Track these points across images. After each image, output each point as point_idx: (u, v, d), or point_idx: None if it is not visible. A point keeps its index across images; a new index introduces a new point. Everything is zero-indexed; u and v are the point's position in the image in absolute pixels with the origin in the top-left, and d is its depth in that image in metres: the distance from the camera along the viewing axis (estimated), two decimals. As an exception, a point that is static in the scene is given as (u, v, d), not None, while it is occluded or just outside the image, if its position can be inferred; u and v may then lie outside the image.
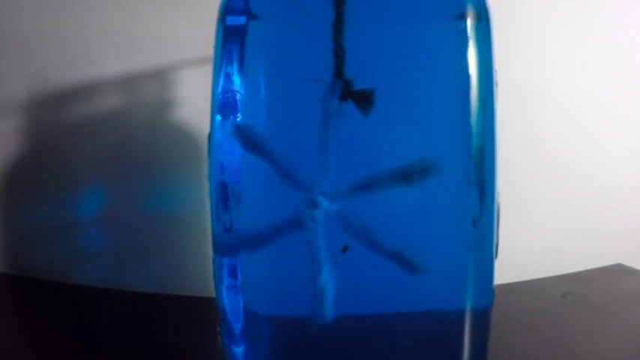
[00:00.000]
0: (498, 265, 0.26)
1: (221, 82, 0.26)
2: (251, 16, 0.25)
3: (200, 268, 0.38)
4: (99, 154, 0.49)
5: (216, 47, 0.26)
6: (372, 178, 0.24)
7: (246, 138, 0.25)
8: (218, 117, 0.26)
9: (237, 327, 0.27)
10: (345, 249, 0.25)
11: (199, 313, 0.42)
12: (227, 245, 0.26)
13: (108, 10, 0.47)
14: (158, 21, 0.47)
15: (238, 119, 0.25)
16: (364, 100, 0.24)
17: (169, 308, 0.45)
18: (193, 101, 0.46)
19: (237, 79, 0.25)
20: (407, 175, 0.24)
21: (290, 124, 0.25)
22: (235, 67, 0.26)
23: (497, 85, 0.26)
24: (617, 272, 0.52)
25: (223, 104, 0.26)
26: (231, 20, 0.26)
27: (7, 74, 0.48)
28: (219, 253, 0.26)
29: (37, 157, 0.49)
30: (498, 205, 0.26)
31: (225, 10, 0.26)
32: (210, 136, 0.26)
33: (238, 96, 0.25)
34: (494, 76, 0.25)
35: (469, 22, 0.24)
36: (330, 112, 0.24)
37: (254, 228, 0.25)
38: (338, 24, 0.24)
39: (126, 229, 0.49)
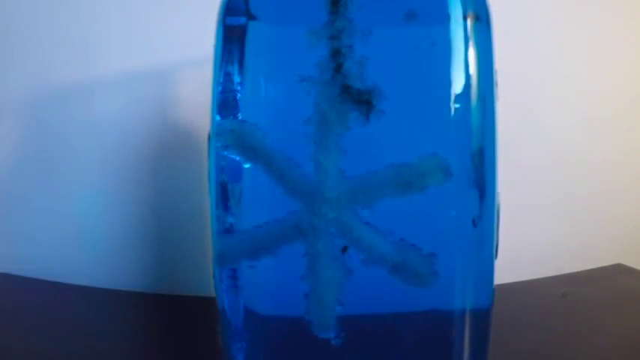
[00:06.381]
0: (498, 265, 0.26)
1: (221, 82, 0.26)
2: (251, 16, 0.25)
3: (200, 268, 0.38)
4: (99, 154, 0.49)
5: (216, 47, 0.26)
6: (373, 184, 0.24)
7: (242, 144, 0.25)
8: (218, 117, 0.26)
9: (237, 327, 0.27)
10: (345, 249, 0.25)
11: (199, 313, 0.42)
12: (227, 255, 0.26)
13: (108, 10, 0.47)
14: (158, 21, 0.47)
15: (237, 121, 0.25)
16: (364, 101, 0.24)
17: (169, 308, 0.45)
18: (193, 101, 0.46)
19: (237, 79, 0.25)
20: (408, 184, 0.24)
21: (289, 125, 0.25)
22: (235, 67, 0.26)
23: (497, 85, 0.26)
24: (617, 272, 0.52)
25: (223, 104, 0.26)
26: (231, 20, 0.26)
27: (7, 74, 0.48)
28: (220, 262, 0.26)
29: (37, 157, 0.49)
30: (498, 205, 0.26)
31: (225, 11, 0.26)
32: (210, 136, 0.26)
33: (238, 96, 0.25)
34: (494, 76, 0.25)
35: (469, 23, 0.24)
36: (329, 114, 0.24)
37: (254, 231, 0.25)
38: (337, 25, 0.24)
39: (125, 229, 0.49)
